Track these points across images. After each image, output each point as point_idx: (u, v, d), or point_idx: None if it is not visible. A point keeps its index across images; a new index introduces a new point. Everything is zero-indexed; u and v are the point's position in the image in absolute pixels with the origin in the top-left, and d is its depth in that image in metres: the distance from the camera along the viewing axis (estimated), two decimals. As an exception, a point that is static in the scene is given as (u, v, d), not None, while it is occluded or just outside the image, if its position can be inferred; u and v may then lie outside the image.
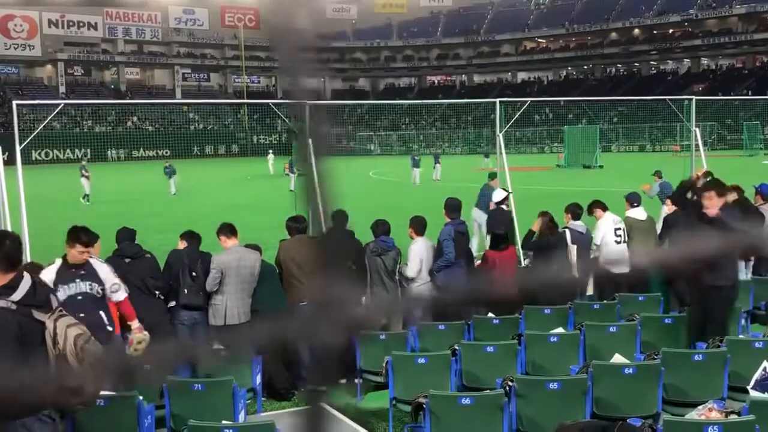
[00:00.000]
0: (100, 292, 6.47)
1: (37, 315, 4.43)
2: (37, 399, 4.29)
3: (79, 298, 6.32)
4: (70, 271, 6.36)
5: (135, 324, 6.67)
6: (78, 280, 6.37)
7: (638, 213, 10.23)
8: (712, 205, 7.34)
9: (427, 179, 35.37)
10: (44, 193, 26.81)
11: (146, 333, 6.72)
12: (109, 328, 6.43)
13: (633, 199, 10.42)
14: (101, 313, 6.40)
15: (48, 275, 6.21)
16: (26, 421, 4.35)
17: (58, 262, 6.40)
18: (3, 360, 4.30)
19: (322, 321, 0.77)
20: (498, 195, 12.08)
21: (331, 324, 0.77)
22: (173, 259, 7.89)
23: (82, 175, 30.25)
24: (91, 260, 6.56)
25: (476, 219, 14.37)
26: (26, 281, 4.45)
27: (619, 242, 9.87)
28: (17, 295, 4.39)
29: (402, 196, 26.45)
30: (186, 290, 7.70)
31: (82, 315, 6.23)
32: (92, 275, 6.44)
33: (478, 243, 13.48)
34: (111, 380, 4.66)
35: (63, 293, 6.21)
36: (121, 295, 6.62)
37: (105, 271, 6.55)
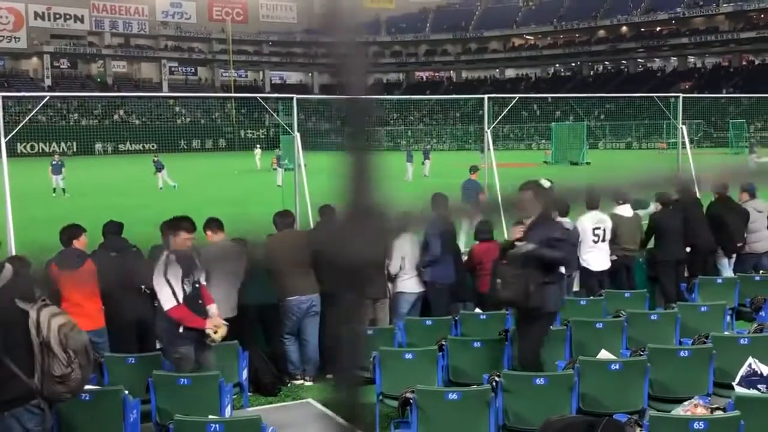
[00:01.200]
0: None
1: (20, 305, 4.39)
2: (25, 389, 4.27)
3: (198, 285, 6.49)
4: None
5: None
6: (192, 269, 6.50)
7: (625, 210, 10.27)
8: (525, 207, 6.40)
9: (418, 175, 35.39)
10: (30, 186, 26.59)
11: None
12: None
13: (619, 197, 10.45)
14: None
15: (176, 270, 6.20)
16: (15, 412, 4.33)
17: (171, 257, 6.33)
18: None
19: (356, 230, 0.75)
20: None
21: (365, 233, 0.74)
22: (155, 255, 7.79)
23: (53, 170, 29.74)
24: None
25: None
26: (7, 272, 4.42)
27: (596, 242, 9.85)
28: None
29: (393, 192, 26.46)
30: None
31: (200, 302, 6.36)
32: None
33: (466, 239, 13.39)
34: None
35: (189, 285, 6.27)
36: None
37: None
